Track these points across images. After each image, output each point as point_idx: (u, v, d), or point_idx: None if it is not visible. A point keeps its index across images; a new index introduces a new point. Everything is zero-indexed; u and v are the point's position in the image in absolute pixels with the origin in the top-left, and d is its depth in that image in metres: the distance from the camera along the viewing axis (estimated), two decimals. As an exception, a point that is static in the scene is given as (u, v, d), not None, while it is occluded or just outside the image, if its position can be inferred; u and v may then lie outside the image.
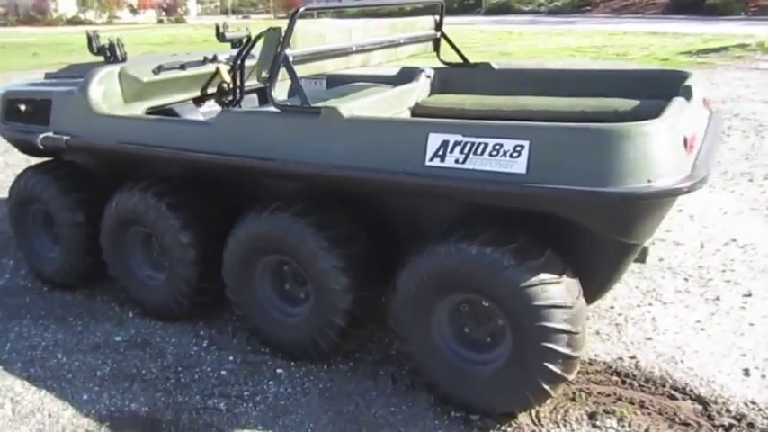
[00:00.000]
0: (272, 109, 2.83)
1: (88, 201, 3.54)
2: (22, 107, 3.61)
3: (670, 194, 2.16)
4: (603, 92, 3.50)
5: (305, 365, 2.97)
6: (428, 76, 4.06)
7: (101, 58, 3.63)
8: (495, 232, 2.42)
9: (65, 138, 3.35)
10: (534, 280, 2.29)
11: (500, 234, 2.41)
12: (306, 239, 2.73)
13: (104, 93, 3.41)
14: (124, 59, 3.64)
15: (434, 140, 2.40)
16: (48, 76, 4.03)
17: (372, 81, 4.16)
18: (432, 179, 2.39)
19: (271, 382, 2.87)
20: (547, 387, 2.39)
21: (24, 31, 39.61)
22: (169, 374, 2.94)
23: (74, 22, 54.71)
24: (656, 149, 2.15)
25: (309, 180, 2.77)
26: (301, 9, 2.81)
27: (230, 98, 4.03)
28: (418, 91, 3.93)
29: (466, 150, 2.34)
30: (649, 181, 2.13)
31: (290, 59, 2.77)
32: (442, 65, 4.14)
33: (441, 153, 2.38)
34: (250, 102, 4.30)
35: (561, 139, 2.22)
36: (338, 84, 4.28)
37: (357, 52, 3.30)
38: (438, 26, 4.05)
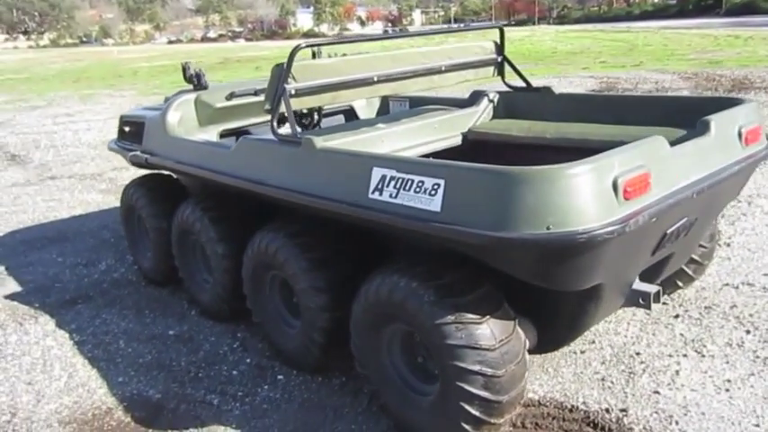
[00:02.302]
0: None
1: (171, 210, 4.13)
2: (127, 128, 4.36)
3: (567, 243, 2.02)
4: (660, 119, 3.23)
5: (303, 375, 3.21)
6: (491, 101, 4.05)
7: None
8: (430, 266, 2.44)
9: (146, 156, 3.99)
10: (450, 318, 2.29)
11: (434, 269, 2.43)
12: (290, 259, 2.98)
13: (181, 117, 3.98)
14: (206, 87, 4.20)
15: (376, 174, 2.49)
16: (166, 100, 4.78)
17: (446, 104, 4.26)
18: (371, 212, 2.49)
19: (266, 387, 3.16)
20: (468, 428, 2.35)
21: (262, 45, 44.73)
22: (192, 369, 3.38)
23: (309, 34, 60.50)
24: (561, 195, 2.03)
25: (292, 206, 3.00)
26: (301, 45, 3.06)
27: (309, 120, 4.45)
28: (477, 115, 3.95)
29: (398, 186, 2.41)
30: (548, 228, 2.02)
31: (289, 93, 3.03)
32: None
33: (380, 187, 2.48)
34: (336, 122, 4.64)
35: (471, 179, 2.20)
36: (419, 104, 4.46)
37: (381, 82, 3.45)
38: (499, 50, 4.01)
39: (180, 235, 3.89)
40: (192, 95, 4.06)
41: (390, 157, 2.55)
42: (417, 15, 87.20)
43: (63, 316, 4.07)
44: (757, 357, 3.03)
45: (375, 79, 3.41)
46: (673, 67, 13.06)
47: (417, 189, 2.33)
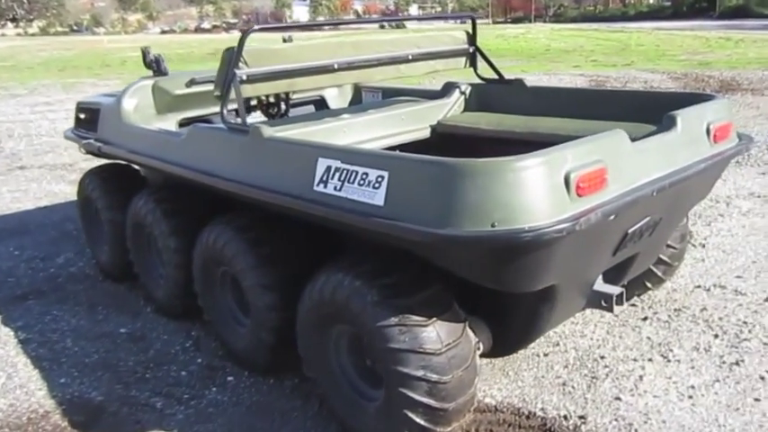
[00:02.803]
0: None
1: (127, 202, 3.96)
2: (83, 116, 4.19)
3: (513, 242, 1.88)
4: (632, 114, 3.10)
5: (255, 376, 3.07)
6: (463, 93, 3.91)
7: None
8: (376, 265, 2.31)
9: (99, 145, 3.83)
10: (393, 320, 2.15)
11: (380, 267, 2.29)
12: (238, 255, 2.84)
13: (137, 104, 3.81)
14: (166, 73, 4.04)
15: (321, 165, 2.35)
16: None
17: (419, 96, 4.11)
18: (316, 205, 2.34)
19: (214, 389, 3.01)
20: (413, 436, 2.22)
21: (256, 37, 44.31)
22: (139, 369, 3.22)
23: (305, 28, 59.90)
24: (507, 190, 1.89)
25: (240, 199, 2.85)
26: (254, 27, 2.91)
27: (276, 109, 4.29)
28: (448, 107, 3.81)
29: (343, 177, 2.27)
30: (493, 225, 1.88)
31: (239, 78, 2.88)
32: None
33: (325, 179, 2.33)
34: (306, 112, 4.49)
35: (415, 171, 2.06)
36: (392, 95, 4.31)
37: (342, 70, 3.30)
38: (471, 40, 3.87)
39: (134, 228, 3.73)
40: (150, 81, 3.89)
41: (335, 147, 2.41)
42: (414, 10, 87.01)
43: (11, 312, 3.90)
44: (723, 363, 2.92)
45: (335, 67, 3.26)
46: (663, 67, 12.98)
47: (361, 181, 2.19)
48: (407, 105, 3.71)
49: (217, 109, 4.07)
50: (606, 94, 3.48)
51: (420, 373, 2.13)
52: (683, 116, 2.53)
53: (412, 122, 3.58)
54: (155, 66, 4.02)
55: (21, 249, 4.97)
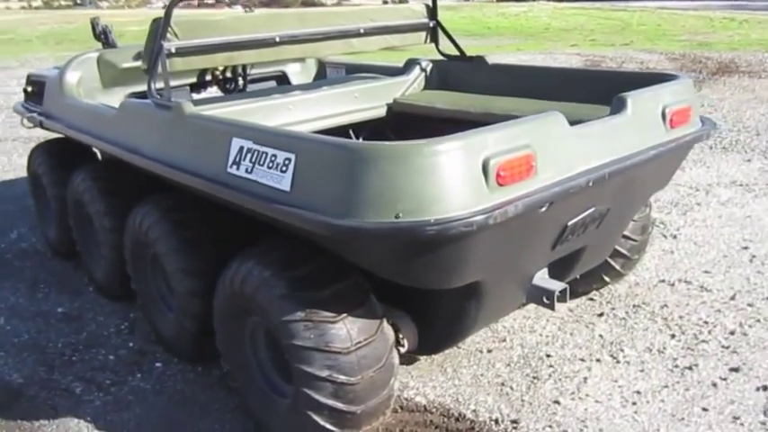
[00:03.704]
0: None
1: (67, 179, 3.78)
2: (30, 88, 4.01)
3: (417, 235, 1.71)
4: (588, 94, 2.91)
5: (183, 364, 2.92)
6: (423, 70, 3.72)
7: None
8: (289, 254, 2.14)
9: (40, 119, 3.65)
10: (300, 315, 1.99)
11: (292, 257, 2.12)
12: (162, 237, 2.68)
13: (81, 77, 3.62)
14: (114, 45, 3.85)
15: (235, 145, 2.18)
16: None
17: (381, 72, 3.92)
18: (227, 188, 2.17)
19: (139, 375, 2.87)
20: (319, 439, 2.07)
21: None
22: (67, 351, 3.09)
23: (307, 3, 59.12)
24: (414, 178, 1.71)
25: (162, 179, 2.68)
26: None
27: (233, 85, 4.10)
28: (407, 85, 3.62)
29: (254, 159, 2.09)
30: (397, 216, 1.71)
31: (167, 51, 2.69)
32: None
33: (238, 160, 2.16)
34: (266, 88, 4.30)
35: (322, 154, 1.88)
36: (355, 72, 4.12)
37: (282, 43, 3.10)
38: (432, 14, 3.66)
39: (74, 205, 3.57)
40: (95, 54, 3.70)
41: (249, 126, 2.23)
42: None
43: (-50, 287, 3.78)
44: (676, 367, 2.75)
45: (277, 40, 3.06)
46: (662, 47, 12.60)
47: (270, 164, 2.02)
48: (363, 82, 3.52)
49: (176, 83, 3.92)
50: (571, 74, 3.29)
51: (325, 373, 1.97)
52: (635, 98, 2.33)
53: (366, 100, 3.40)
54: (103, 37, 3.83)
55: (-25, 223, 4.83)
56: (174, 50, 2.71)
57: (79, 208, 3.53)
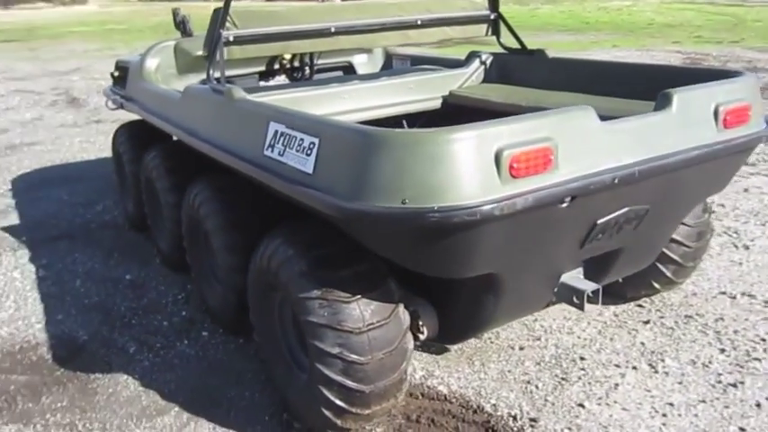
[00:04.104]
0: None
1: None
2: (117, 73, 4.34)
3: (420, 222, 1.74)
4: (650, 90, 2.82)
5: (227, 335, 3.09)
6: (483, 62, 3.72)
7: None
8: (313, 234, 2.23)
9: (121, 102, 3.95)
10: (316, 293, 2.07)
11: (316, 237, 2.21)
12: (210, 215, 2.85)
13: (159, 64, 3.89)
14: (190, 34, 4.09)
15: (272, 129, 2.29)
16: None
17: (443, 65, 3.96)
18: (262, 170, 2.29)
19: (186, 341, 3.07)
20: (329, 415, 2.15)
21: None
22: (128, 314, 3.34)
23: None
24: (421, 165, 1.75)
25: (213, 159, 2.83)
26: None
27: (300, 73, 4.27)
28: (465, 77, 3.64)
29: (285, 143, 2.20)
30: (404, 202, 1.75)
31: (225, 39, 2.85)
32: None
33: (272, 143, 2.27)
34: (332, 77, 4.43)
35: (341, 139, 1.95)
36: (420, 63, 4.19)
37: (337, 34, 3.19)
38: (494, 5, 3.64)
39: (146, 182, 3.84)
40: (173, 42, 3.95)
41: (284, 110, 2.32)
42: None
43: (40, 251, 4.16)
44: (719, 382, 2.61)
45: (332, 30, 3.15)
46: (739, 37, 11.74)
47: (298, 147, 2.11)
48: (420, 74, 3.56)
49: (238, 71, 4.12)
50: (635, 69, 3.16)
51: (336, 350, 2.04)
52: (681, 95, 2.23)
53: (422, 92, 3.44)
54: (181, 27, 4.08)
55: (70, 195, 5.28)
56: (231, 39, 2.87)
57: (149, 184, 3.79)
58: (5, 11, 31.13)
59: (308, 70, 4.16)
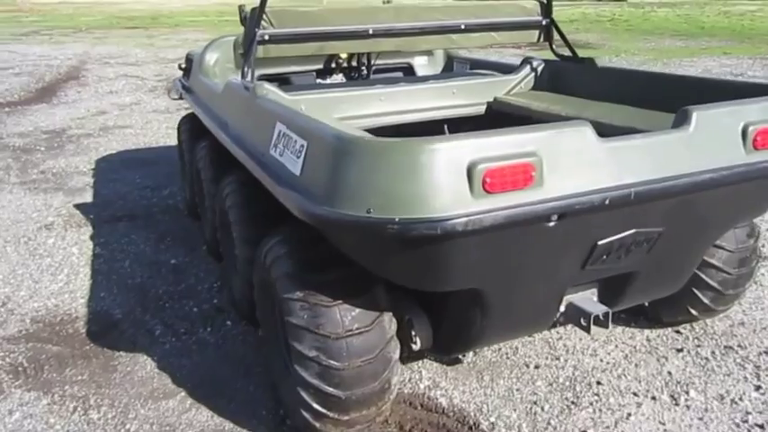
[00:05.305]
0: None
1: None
2: (184, 65, 4.52)
3: (380, 232, 1.68)
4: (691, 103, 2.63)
5: (248, 326, 3.16)
6: (534, 69, 3.59)
7: None
8: (305, 235, 2.22)
9: (182, 92, 4.12)
10: (298, 295, 2.08)
11: (310, 239, 2.20)
12: (233, 207, 2.93)
13: (217, 59, 4.02)
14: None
15: (278, 129, 2.31)
16: None
17: (498, 70, 3.88)
18: (264, 169, 2.32)
19: (209, 329, 3.17)
20: (307, 416, 2.15)
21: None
22: (164, 298, 3.50)
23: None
24: (389, 174, 1.70)
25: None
26: None
27: (356, 73, 4.31)
28: (512, 84, 3.53)
29: (285, 143, 2.21)
30: (368, 211, 1.71)
31: (260, 38, 2.90)
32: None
33: (277, 143, 2.29)
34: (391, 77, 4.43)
35: (323, 143, 1.93)
36: (479, 67, 4.12)
37: (378, 36, 3.17)
38: (546, 12, 3.49)
39: (196, 171, 3.99)
40: (231, 37, 4.07)
41: (288, 111, 2.33)
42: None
43: (102, 229, 4.44)
44: (745, 422, 2.38)
45: (370, 32, 3.13)
46: None
47: (292, 149, 2.12)
48: (465, 79, 3.48)
49: (295, 68, 4.19)
50: (686, 82, 2.93)
51: (313, 353, 2.04)
52: (702, 113, 2.05)
53: (465, 97, 3.36)
54: (246, 22, 4.19)
55: (142, 178, 5.59)
56: (267, 38, 2.92)
57: (198, 173, 3.94)
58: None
59: (364, 70, 4.17)
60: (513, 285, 2.04)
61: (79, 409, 2.59)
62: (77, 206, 4.91)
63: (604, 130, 2.71)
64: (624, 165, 1.92)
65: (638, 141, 1.97)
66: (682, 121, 2.05)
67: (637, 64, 11.18)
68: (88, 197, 5.14)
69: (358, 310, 2.07)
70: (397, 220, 1.67)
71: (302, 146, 2.03)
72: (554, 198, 1.78)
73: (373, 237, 1.75)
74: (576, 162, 1.85)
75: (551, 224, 1.82)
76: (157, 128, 7.52)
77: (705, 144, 2.04)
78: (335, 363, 2.03)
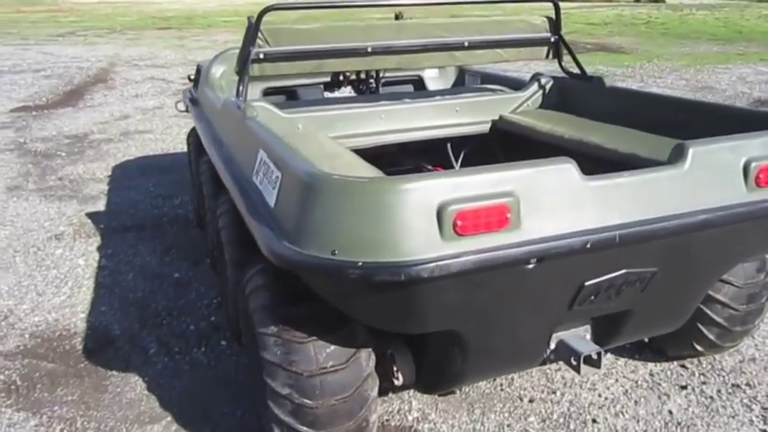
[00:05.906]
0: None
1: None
2: (193, 75, 4.52)
3: (344, 275, 1.62)
4: (704, 132, 2.51)
5: (241, 346, 3.13)
6: (542, 86, 3.49)
7: None
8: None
9: (188, 104, 4.11)
10: (272, 329, 2.03)
11: (288, 271, 2.15)
12: (226, 227, 2.90)
13: (224, 71, 3.99)
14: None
15: (260, 156, 2.26)
16: None
17: (508, 85, 3.80)
18: (244, 195, 2.27)
19: (203, 349, 3.15)
20: (279, 452, 2.09)
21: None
22: (162, 314, 3.49)
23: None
24: (354, 215, 1.63)
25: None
26: (273, 5, 2.86)
27: (365, 86, 4.26)
28: (519, 102, 3.45)
29: (264, 171, 2.16)
30: (333, 253, 1.64)
31: (255, 56, 2.86)
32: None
33: (258, 170, 2.25)
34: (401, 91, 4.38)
35: (295, 176, 1.87)
36: (489, 81, 4.04)
37: (377, 53, 3.10)
38: (555, 27, 3.38)
39: (200, 184, 3.98)
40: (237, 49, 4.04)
41: (269, 137, 2.27)
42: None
43: (109, 240, 4.46)
44: (744, 471, 2.26)
45: (369, 50, 3.07)
46: None
47: (269, 178, 2.07)
48: (470, 96, 3.40)
49: (303, 80, 4.15)
50: (697, 107, 2.80)
51: (286, 391, 1.99)
52: (698, 149, 1.94)
53: (469, 115, 3.29)
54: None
55: (155, 186, 5.63)
56: (262, 56, 2.88)
57: (201, 187, 3.93)
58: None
59: (373, 83, 4.11)
60: (492, 327, 1.95)
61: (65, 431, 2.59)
62: (89, 215, 4.96)
63: (605, 155, 2.62)
64: (610, 205, 1.82)
65: (626, 180, 1.86)
66: (677, 156, 1.94)
67: (669, 71, 10.89)
68: (101, 205, 5.19)
69: (333, 346, 2.01)
70: (359, 264, 1.60)
71: (277, 177, 1.98)
72: (531, 241, 1.69)
73: (338, 280, 1.68)
74: (557, 202, 1.76)
75: (530, 266, 1.74)
76: (177, 133, 7.57)
77: (702, 182, 1.93)
78: (308, 401, 1.97)
